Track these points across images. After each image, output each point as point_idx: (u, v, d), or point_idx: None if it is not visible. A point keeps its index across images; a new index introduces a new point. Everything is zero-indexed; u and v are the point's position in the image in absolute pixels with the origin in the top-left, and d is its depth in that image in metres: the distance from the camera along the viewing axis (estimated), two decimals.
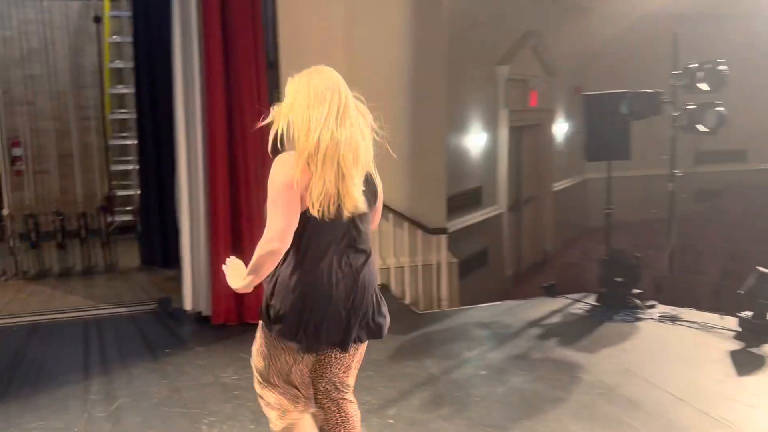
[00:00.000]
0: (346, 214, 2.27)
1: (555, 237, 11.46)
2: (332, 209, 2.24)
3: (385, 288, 6.04)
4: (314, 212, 2.22)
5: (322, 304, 2.30)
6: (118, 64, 8.30)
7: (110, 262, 6.82)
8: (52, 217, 6.68)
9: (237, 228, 4.95)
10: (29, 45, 7.32)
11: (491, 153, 9.07)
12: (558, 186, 11.70)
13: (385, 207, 6.08)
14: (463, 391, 3.80)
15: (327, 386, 2.51)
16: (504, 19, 8.91)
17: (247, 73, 4.88)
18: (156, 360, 4.39)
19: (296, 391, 2.48)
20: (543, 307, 5.39)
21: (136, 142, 6.97)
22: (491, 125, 9.06)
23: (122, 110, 7.91)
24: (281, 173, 2.24)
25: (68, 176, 7.79)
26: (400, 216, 6.05)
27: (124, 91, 7.87)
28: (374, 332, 2.45)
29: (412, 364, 4.17)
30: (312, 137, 2.21)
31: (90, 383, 4.06)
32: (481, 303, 7.35)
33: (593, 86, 9.60)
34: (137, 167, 7.04)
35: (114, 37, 8.00)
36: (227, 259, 2.52)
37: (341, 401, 2.51)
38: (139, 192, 7.05)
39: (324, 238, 2.30)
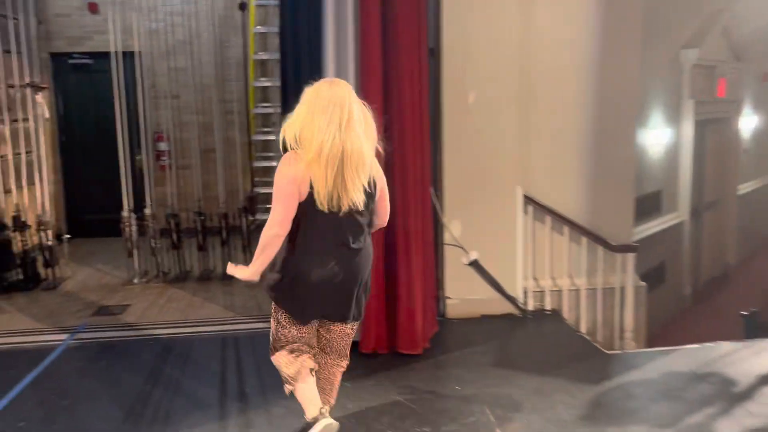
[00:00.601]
0: (343, 209, 2.67)
1: (738, 248, 9.91)
2: (333, 204, 2.65)
3: (556, 314, 5.13)
4: (319, 206, 2.64)
5: (311, 283, 2.72)
6: (262, 55, 7.92)
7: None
8: (194, 217, 6.35)
9: (390, 238, 4.25)
10: (175, 37, 7.04)
11: (673, 151, 7.81)
12: (742, 189, 10.13)
13: (560, 218, 5.21)
14: None
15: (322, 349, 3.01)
16: None
17: (408, 65, 4.15)
18: None
19: (300, 346, 2.90)
20: None
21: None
22: (673, 118, 7.79)
23: (265, 104, 7.49)
24: (285, 170, 2.66)
25: (210, 172, 7.49)
26: (576, 228, 5.09)
27: (267, 84, 7.45)
28: (353, 317, 2.89)
29: None
30: (316, 143, 2.60)
31: (226, 422, 3.51)
32: (662, 324, 6.24)
33: None
34: None
35: (258, 27, 7.60)
36: (229, 264, 2.82)
37: (327, 363, 3.04)
38: None
39: (321, 228, 2.69)
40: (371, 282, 2.99)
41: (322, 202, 2.63)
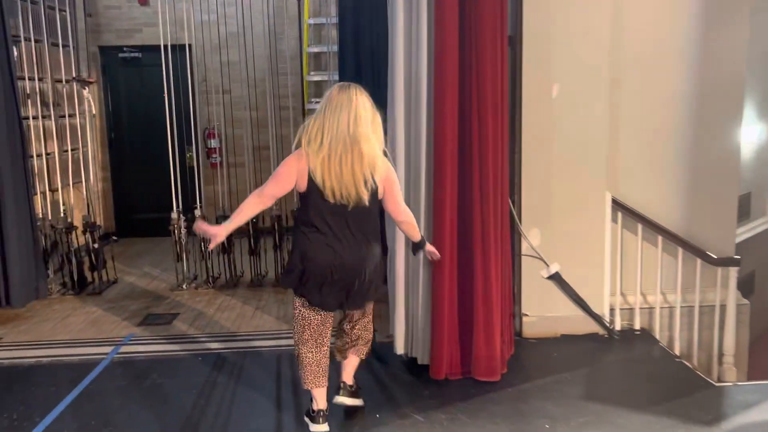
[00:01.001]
0: (348, 202, 2.97)
1: None
2: (339, 197, 2.96)
3: (646, 334, 4.57)
4: (327, 198, 2.97)
5: (316, 269, 3.04)
6: (315, 48, 7.52)
7: None
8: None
9: (466, 250, 3.76)
10: (227, 29, 6.71)
11: (764, 149, 7.09)
12: None
13: (653, 226, 4.62)
14: None
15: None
16: None
17: (490, 56, 3.64)
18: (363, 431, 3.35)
19: (314, 339, 3.19)
20: None
21: None
22: (765, 113, 7.07)
23: (319, 99, 7.08)
24: (288, 160, 3.03)
25: (264, 170, 7.15)
26: (672, 238, 4.51)
27: (321, 78, 7.05)
28: (356, 304, 3.20)
29: None
30: (324, 140, 2.94)
31: None
32: (753, 342, 5.59)
33: None
34: None
35: (310, 20, 7.20)
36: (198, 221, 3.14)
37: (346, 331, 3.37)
38: None
39: (326, 219, 3.00)
40: (380, 276, 3.24)
41: (328, 195, 2.95)
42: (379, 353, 4.28)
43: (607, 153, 4.37)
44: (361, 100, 2.96)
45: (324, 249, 3.00)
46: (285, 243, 5.94)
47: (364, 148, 2.92)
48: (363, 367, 4.06)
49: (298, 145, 3.01)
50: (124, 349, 4.46)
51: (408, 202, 3.84)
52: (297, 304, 3.20)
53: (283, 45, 7.56)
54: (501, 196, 3.81)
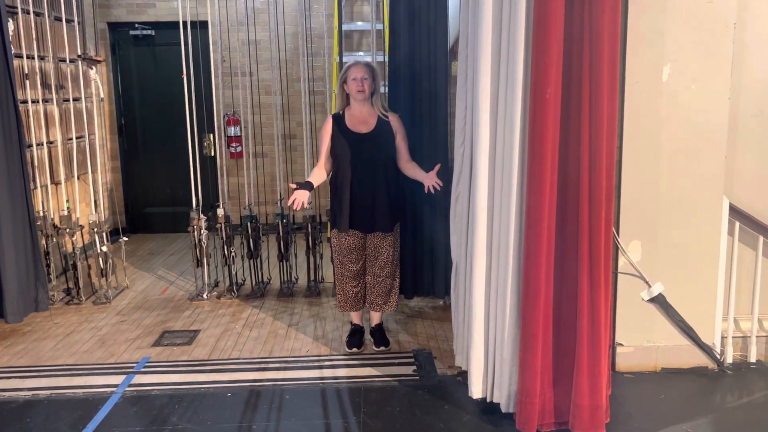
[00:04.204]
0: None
1: None
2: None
3: (765, 368, 3.80)
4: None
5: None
6: (349, 26, 6.75)
7: None
8: (274, 218, 5.23)
9: (568, 276, 3.00)
10: (254, 4, 5.94)
11: None
12: None
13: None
14: None
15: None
16: None
17: (610, 24, 2.83)
18: None
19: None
20: None
21: None
22: None
23: None
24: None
25: (293, 162, 6.40)
26: None
27: (351, 59, 6.25)
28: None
29: None
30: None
31: None
32: None
33: None
34: None
35: None
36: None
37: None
38: None
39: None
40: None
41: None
42: (443, 389, 3.54)
43: (726, 150, 3.59)
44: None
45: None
46: (320, 246, 5.19)
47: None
48: (428, 412, 3.32)
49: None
50: (137, 378, 3.73)
51: (493, 210, 3.08)
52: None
53: (314, 22, 6.78)
54: (607, 203, 3.02)
